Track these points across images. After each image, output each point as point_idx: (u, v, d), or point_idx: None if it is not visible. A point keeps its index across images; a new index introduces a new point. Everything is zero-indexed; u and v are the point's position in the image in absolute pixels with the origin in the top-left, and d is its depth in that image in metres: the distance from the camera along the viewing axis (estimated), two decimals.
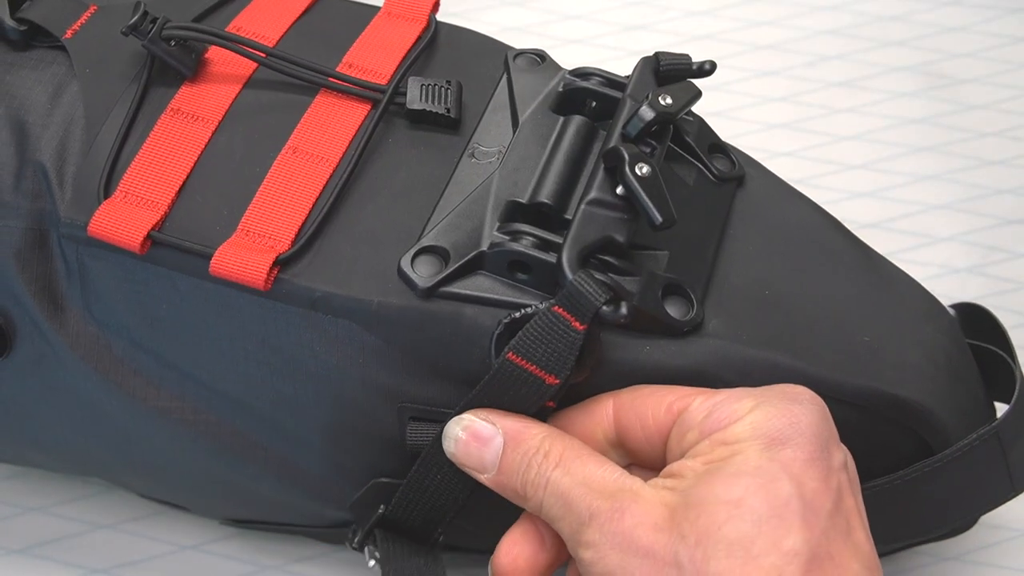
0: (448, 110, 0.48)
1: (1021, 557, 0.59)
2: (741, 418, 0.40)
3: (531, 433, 0.41)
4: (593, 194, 0.43)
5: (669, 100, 0.44)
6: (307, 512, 0.53)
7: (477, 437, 0.42)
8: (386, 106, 0.47)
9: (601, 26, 0.79)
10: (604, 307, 0.40)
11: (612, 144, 0.43)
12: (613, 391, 0.43)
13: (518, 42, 0.64)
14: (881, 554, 0.55)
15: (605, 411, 0.43)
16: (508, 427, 0.42)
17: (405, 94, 0.48)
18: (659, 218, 0.41)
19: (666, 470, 0.40)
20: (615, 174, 0.42)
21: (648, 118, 0.43)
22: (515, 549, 0.43)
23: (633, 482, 0.40)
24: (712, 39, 0.78)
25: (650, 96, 0.44)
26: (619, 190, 0.42)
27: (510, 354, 0.41)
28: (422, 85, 0.48)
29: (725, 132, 0.74)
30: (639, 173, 0.41)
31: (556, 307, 0.41)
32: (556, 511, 0.40)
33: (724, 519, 0.37)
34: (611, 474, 0.40)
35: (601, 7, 0.80)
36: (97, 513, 0.59)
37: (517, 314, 0.42)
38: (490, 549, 0.44)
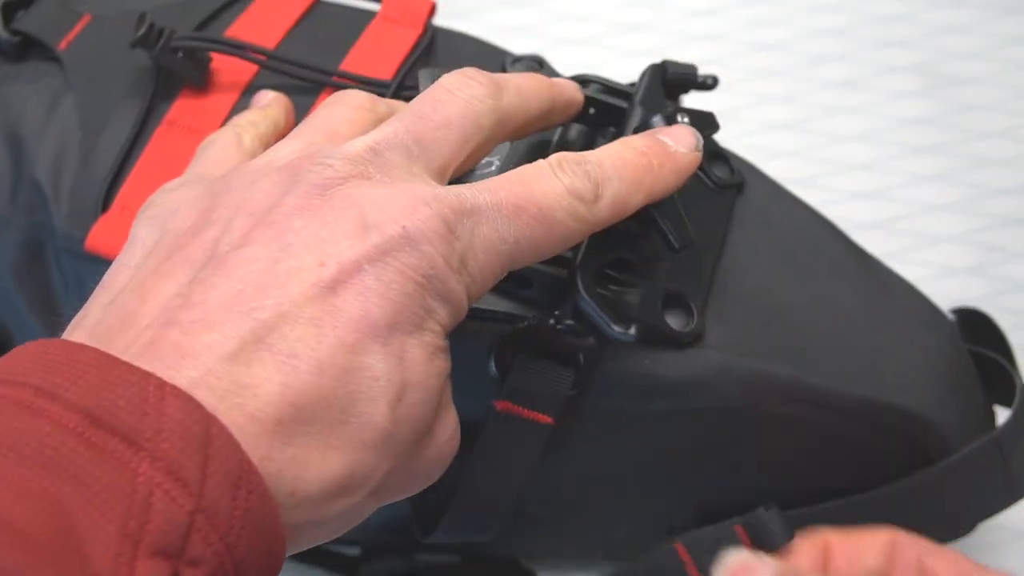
0: None
1: (1021, 557, 0.59)
2: None
3: None
4: None
5: (687, 121, 0.43)
6: None
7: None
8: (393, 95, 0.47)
9: (601, 26, 0.79)
10: (617, 329, 0.40)
11: None
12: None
13: (518, 42, 0.65)
14: None
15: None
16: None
17: (409, 90, 0.48)
18: (678, 244, 0.41)
19: None
20: None
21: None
22: None
23: None
24: (712, 39, 0.78)
25: (668, 111, 0.43)
26: None
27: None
28: (432, 76, 0.48)
29: (726, 132, 0.73)
30: None
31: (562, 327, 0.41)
32: None
33: None
34: None
35: (601, 7, 0.80)
36: None
37: (517, 327, 0.42)
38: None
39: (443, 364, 0.34)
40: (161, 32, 0.46)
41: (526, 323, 0.41)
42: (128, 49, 0.47)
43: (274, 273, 0.32)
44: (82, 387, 0.28)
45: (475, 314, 0.42)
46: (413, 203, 0.34)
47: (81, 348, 0.29)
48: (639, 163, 0.39)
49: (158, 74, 0.48)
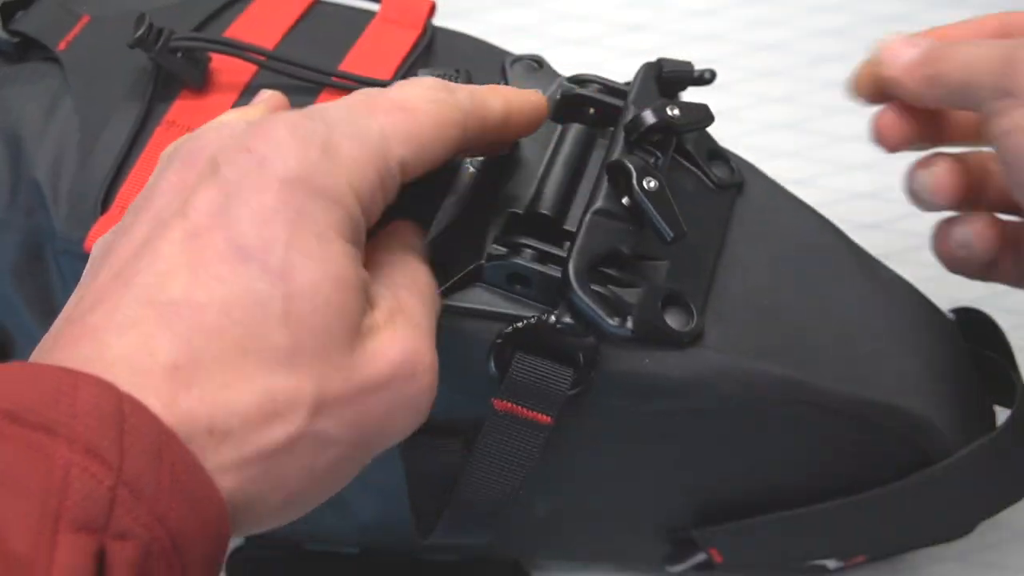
0: None
1: (1021, 557, 0.59)
2: None
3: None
4: (599, 204, 0.42)
5: (676, 112, 0.43)
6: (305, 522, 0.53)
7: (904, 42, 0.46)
8: None
9: (601, 26, 0.79)
10: (611, 323, 0.40)
11: (616, 155, 0.43)
12: None
13: (518, 42, 0.65)
14: (880, 557, 0.55)
15: None
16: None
17: None
18: (670, 234, 0.41)
19: None
20: (619, 184, 0.42)
21: (649, 122, 0.43)
22: None
23: None
24: (712, 39, 0.77)
25: (657, 104, 0.43)
26: (625, 201, 0.42)
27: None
28: (433, 76, 0.48)
29: (725, 132, 0.73)
30: (647, 187, 0.41)
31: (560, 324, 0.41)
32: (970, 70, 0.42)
33: None
34: None
35: (601, 7, 0.80)
36: None
37: (516, 326, 0.42)
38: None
39: (341, 266, 0.33)
40: (160, 32, 0.46)
41: (525, 322, 0.41)
42: (127, 50, 0.47)
43: (149, 241, 0.33)
44: (1, 392, 0.28)
45: (475, 313, 0.43)
46: (256, 128, 0.34)
47: (7, 364, 0.30)
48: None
49: (157, 75, 0.47)
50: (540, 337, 0.41)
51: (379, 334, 0.34)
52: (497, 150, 0.42)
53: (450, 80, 0.47)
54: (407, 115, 0.36)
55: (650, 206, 0.41)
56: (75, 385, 0.29)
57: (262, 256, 0.32)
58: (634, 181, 0.41)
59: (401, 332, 0.35)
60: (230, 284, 0.32)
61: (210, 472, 0.30)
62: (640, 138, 0.43)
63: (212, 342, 0.31)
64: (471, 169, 0.46)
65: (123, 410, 0.29)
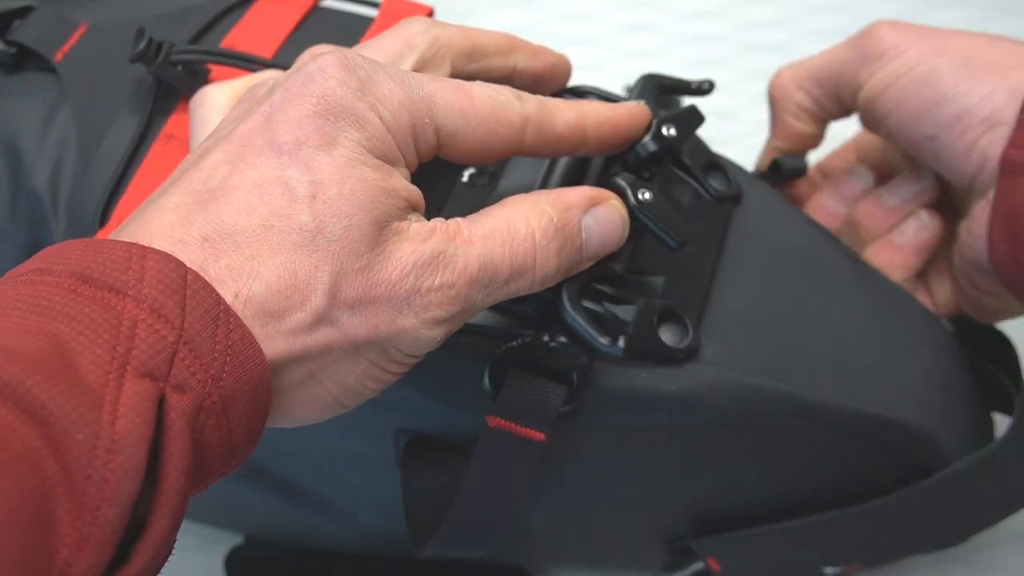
0: None
1: (1021, 557, 0.59)
2: None
3: None
4: None
5: (673, 131, 0.43)
6: (308, 528, 0.53)
7: None
8: None
9: (601, 26, 0.79)
10: (603, 342, 0.40)
11: (611, 174, 0.42)
12: None
13: None
14: (876, 565, 0.55)
15: None
16: None
17: None
18: (675, 241, 0.41)
19: None
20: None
21: (651, 150, 0.43)
22: None
23: None
24: (712, 39, 0.77)
25: (654, 125, 0.43)
26: None
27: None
28: None
29: (725, 132, 0.74)
30: (642, 199, 0.41)
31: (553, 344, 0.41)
32: None
33: None
34: None
35: (601, 7, 0.80)
36: None
37: (511, 344, 0.42)
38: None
39: (369, 170, 0.35)
40: (160, 47, 0.46)
41: (519, 342, 0.41)
42: (125, 60, 0.46)
43: (204, 154, 0.36)
44: (73, 260, 0.31)
45: (471, 330, 0.42)
46: (311, 56, 0.38)
47: (75, 240, 0.33)
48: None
49: (157, 88, 0.47)
50: (534, 356, 0.41)
51: (405, 242, 0.35)
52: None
53: None
54: (462, 94, 0.38)
55: (649, 218, 0.41)
56: (143, 255, 0.32)
57: (293, 149, 0.35)
58: (629, 196, 0.41)
59: (425, 248, 0.36)
60: (262, 170, 0.34)
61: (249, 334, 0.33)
62: (641, 164, 0.43)
63: (241, 217, 0.34)
64: (467, 182, 0.46)
65: (186, 278, 0.32)
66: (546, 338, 0.41)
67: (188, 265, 0.32)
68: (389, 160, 0.36)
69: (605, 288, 0.42)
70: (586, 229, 0.39)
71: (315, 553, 0.58)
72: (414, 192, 0.37)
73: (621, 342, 0.41)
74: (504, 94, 0.39)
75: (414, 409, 0.45)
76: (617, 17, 0.79)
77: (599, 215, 0.39)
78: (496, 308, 0.43)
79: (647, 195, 0.41)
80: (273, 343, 0.34)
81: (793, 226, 0.50)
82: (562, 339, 0.41)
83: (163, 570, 0.59)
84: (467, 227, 0.37)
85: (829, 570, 0.53)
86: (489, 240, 0.37)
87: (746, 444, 0.45)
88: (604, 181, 0.42)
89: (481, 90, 0.38)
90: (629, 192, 0.41)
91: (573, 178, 0.45)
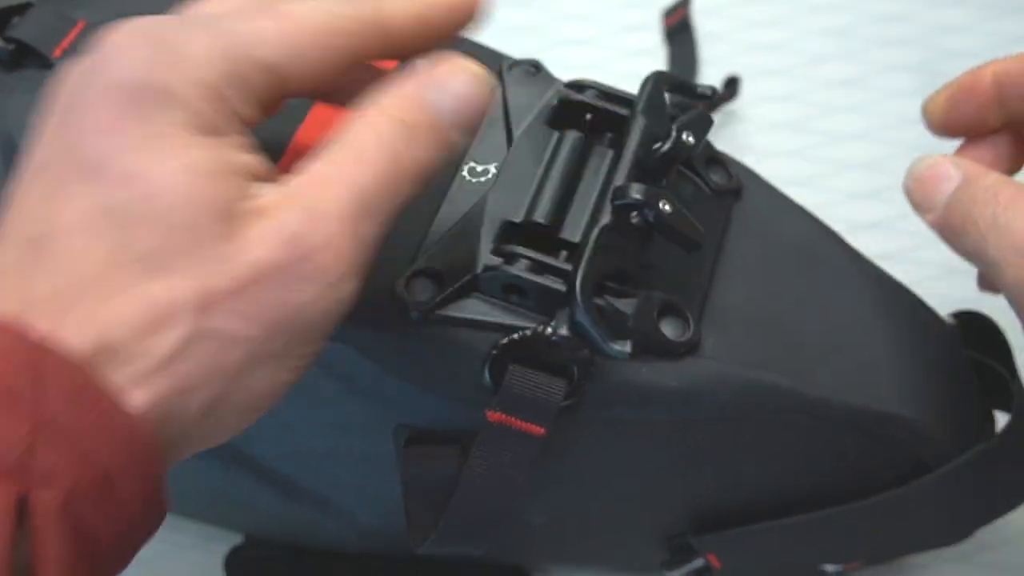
0: None
1: (1021, 557, 0.59)
2: None
3: (986, 174, 0.42)
4: (607, 221, 0.42)
5: (691, 139, 0.43)
6: (306, 526, 0.53)
7: (937, 176, 0.44)
8: None
9: (601, 26, 0.79)
10: (612, 347, 0.40)
11: (624, 179, 0.42)
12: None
13: (518, 42, 0.64)
14: (877, 562, 0.55)
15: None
16: (968, 168, 0.43)
17: None
18: (693, 246, 0.42)
19: None
20: (627, 208, 0.42)
21: (670, 154, 0.43)
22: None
23: None
24: (712, 39, 0.77)
25: (674, 130, 0.43)
26: (634, 219, 0.42)
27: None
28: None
29: (726, 132, 0.74)
30: (664, 210, 0.41)
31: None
32: (999, 245, 0.41)
33: None
34: None
35: (601, 7, 0.80)
36: None
37: (512, 338, 0.41)
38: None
39: (194, 158, 0.31)
40: None
41: (520, 335, 0.41)
42: None
43: (14, 189, 0.33)
44: None
45: (470, 324, 0.43)
46: (102, 33, 0.33)
47: None
48: None
49: None
50: (535, 349, 0.41)
51: (263, 219, 0.32)
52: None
53: None
54: (285, 20, 0.34)
55: (670, 228, 0.41)
56: None
57: (106, 166, 0.31)
58: (658, 208, 0.41)
59: (286, 215, 0.32)
60: (80, 201, 0.31)
61: (118, 392, 0.29)
62: (656, 166, 0.43)
63: (78, 263, 0.30)
64: (467, 177, 0.46)
65: (36, 352, 0.28)
66: (547, 332, 0.41)
67: (36, 330, 0.29)
68: (216, 131, 0.32)
69: (607, 282, 0.42)
70: (436, 106, 0.35)
71: (315, 553, 0.58)
72: (252, 159, 0.33)
73: (629, 347, 0.41)
74: (331, 3, 0.35)
75: (413, 404, 0.45)
76: (617, 17, 0.79)
77: (448, 86, 0.36)
78: (494, 301, 0.43)
79: (667, 207, 0.41)
80: (153, 385, 0.30)
81: (793, 221, 0.50)
82: (563, 332, 0.41)
83: (163, 570, 0.59)
84: (318, 168, 0.33)
85: (830, 568, 0.53)
86: (347, 170, 0.33)
87: (746, 439, 0.45)
88: (612, 184, 0.42)
89: (305, 9, 0.34)
90: (650, 206, 0.41)
91: (574, 170, 0.45)
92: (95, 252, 0.30)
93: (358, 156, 0.34)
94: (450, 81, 0.36)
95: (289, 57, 0.34)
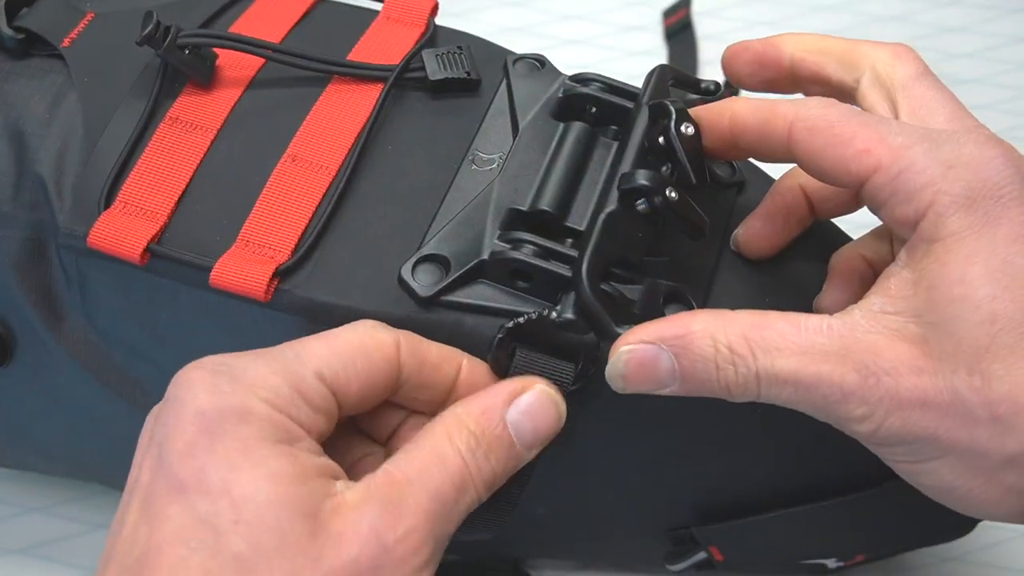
0: (468, 72, 0.49)
1: (1021, 557, 0.59)
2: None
3: (695, 335, 0.38)
4: (612, 208, 0.42)
5: (692, 130, 0.43)
6: None
7: (642, 365, 0.39)
8: (395, 81, 0.48)
9: (601, 26, 0.79)
10: (618, 332, 0.40)
11: (630, 166, 0.43)
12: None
13: (517, 42, 0.65)
14: (883, 557, 0.55)
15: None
16: (666, 337, 0.39)
17: (414, 73, 0.49)
18: (698, 235, 0.42)
19: (875, 289, 0.39)
20: (633, 193, 0.42)
21: (674, 146, 0.43)
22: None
23: (852, 328, 0.37)
24: (712, 39, 0.78)
25: (677, 124, 0.43)
26: (640, 207, 0.42)
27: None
28: (436, 55, 0.49)
29: None
30: (670, 198, 0.41)
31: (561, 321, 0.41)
32: (791, 397, 0.38)
33: (985, 338, 0.36)
34: (818, 327, 0.38)
35: (601, 7, 0.80)
36: (97, 513, 0.59)
37: (518, 321, 0.41)
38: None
39: (276, 465, 0.35)
40: (168, 30, 0.46)
41: (526, 318, 0.41)
42: (131, 46, 0.47)
43: (119, 519, 0.37)
44: None
45: (477, 309, 0.43)
46: (175, 378, 0.38)
47: None
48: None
49: (164, 71, 0.47)
50: (541, 333, 0.41)
51: (346, 514, 0.35)
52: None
53: (455, 57, 0.49)
54: (327, 339, 0.39)
55: (677, 215, 0.42)
56: None
57: (196, 481, 0.34)
58: (665, 195, 0.41)
59: (369, 510, 0.35)
60: (176, 518, 0.34)
61: None
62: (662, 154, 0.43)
63: (178, 570, 0.33)
64: (473, 166, 0.46)
65: None
66: (552, 315, 0.41)
67: None
68: (290, 439, 0.36)
69: (613, 268, 0.42)
70: (513, 424, 0.39)
71: None
72: (326, 461, 0.37)
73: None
74: (365, 325, 0.40)
75: None
76: (617, 17, 0.80)
77: (523, 406, 0.40)
78: (501, 287, 0.43)
79: (673, 194, 0.41)
80: None
81: None
82: (568, 316, 0.41)
83: None
84: (400, 470, 0.37)
85: (831, 563, 0.53)
86: (425, 473, 0.37)
87: (750, 427, 0.45)
88: (617, 174, 0.42)
89: (344, 330, 0.39)
90: (657, 192, 0.41)
91: (579, 160, 0.46)
92: (192, 560, 0.33)
93: (438, 462, 0.37)
94: (530, 404, 0.40)
95: (335, 367, 0.38)
